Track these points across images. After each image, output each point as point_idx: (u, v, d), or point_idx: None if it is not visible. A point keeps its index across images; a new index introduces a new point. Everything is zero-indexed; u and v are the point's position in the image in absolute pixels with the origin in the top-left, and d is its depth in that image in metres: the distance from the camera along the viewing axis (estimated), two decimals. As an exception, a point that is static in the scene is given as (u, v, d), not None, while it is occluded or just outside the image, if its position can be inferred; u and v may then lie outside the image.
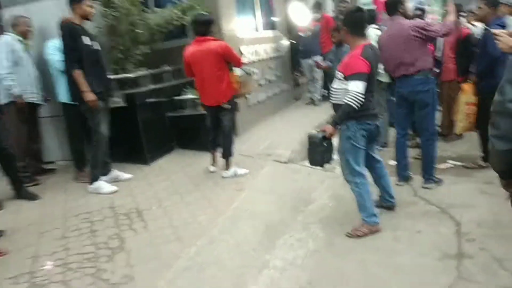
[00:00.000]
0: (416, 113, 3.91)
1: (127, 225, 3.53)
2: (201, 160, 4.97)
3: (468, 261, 2.74)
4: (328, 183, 4.29)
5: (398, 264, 2.80)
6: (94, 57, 4.12)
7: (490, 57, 3.95)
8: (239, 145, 5.42)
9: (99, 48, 4.26)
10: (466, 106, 4.46)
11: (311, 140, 3.11)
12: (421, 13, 5.56)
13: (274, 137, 5.64)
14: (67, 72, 4.08)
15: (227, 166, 4.45)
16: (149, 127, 4.97)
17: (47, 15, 4.75)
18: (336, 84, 3.15)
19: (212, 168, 4.59)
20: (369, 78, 3.00)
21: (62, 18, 4.45)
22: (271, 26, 7.51)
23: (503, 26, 3.98)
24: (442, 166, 4.50)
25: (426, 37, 3.71)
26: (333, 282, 2.69)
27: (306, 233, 3.32)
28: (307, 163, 4.85)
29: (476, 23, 5.23)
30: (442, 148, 5.18)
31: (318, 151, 3.08)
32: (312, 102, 7.56)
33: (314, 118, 6.40)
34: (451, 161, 4.63)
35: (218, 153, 4.56)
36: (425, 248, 2.95)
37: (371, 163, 3.42)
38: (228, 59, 4.24)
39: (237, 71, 4.44)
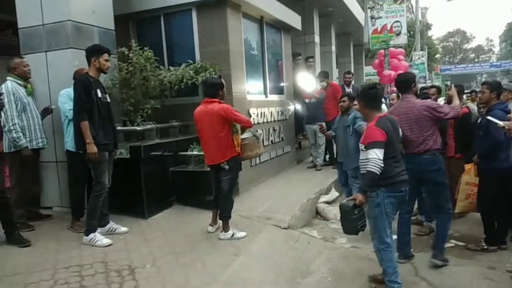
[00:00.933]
0: (429, 192, 3.98)
1: (118, 283, 3.39)
2: (199, 218, 4.90)
3: None
4: (328, 255, 4.19)
5: None
6: (104, 109, 4.20)
7: (493, 140, 4.01)
8: (239, 205, 5.35)
9: (110, 100, 4.37)
10: (467, 186, 4.48)
11: (343, 208, 3.18)
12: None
13: (274, 200, 5.59)
14: (75, 121, 4.15)
15: (225, 228, 4.37)
16: (150, 181, 4.95)
17: (63, 64, 4.89)
18: (362, 155, 3.31)
19: (210, 228, 4.51)
20: (388, 145, 3.20)
21: (77, 69, 4.61)
22: (278, 90, 7.73)
23: (506, 111, 4.08)
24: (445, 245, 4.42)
25: (436, 118, 3.79)
26: None
27: (302, 308, 3.19)
28: (307, 230, 4.85)
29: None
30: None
31: (351, 219, 3.14)
32: (314, 166, 7.59)
33: (315, 183, 6.39)
34: (453, 241, 4.54)
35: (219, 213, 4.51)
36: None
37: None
38: (234, 121, 4.30)
39: (244, 134, 4.49)
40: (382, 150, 3.15)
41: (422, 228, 4.90)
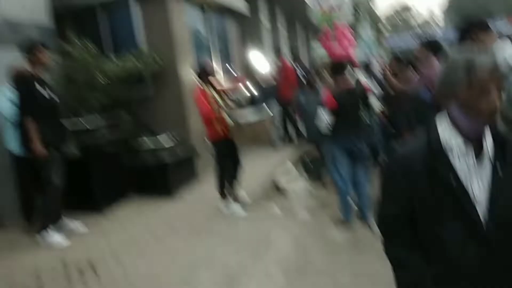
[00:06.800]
0: None
1: (79, 280, 3.33)
2: (156, 207, 4.88)
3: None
4: (288, 227, 4.27)
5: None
6: (49, 107, 4.05)
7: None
8: (198, 189, 5.39)
9: (55, 97, 4.21)
10: None
11: (303, 163, 4.18)
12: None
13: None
14: (20, 122, 3.98)
15: (222, 200, 4.64)
16: (104, 175, 4.84)
17: (-1, 64, 4.64)
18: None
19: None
20: (336, 110, 3.91)
21: (15, 68, 4.40)
22: (230, 74, 7.70)
23: None
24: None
25: None
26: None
27: (267, 280, 3.25)
28: (267, 206, 4.92)
29: None
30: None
31: (310, 170, 4.18)
32: (272, 145, 7.66)
33: (274, 161, 6.46)
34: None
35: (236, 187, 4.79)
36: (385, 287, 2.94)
37: (354, 180, 4.16)
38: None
39: (227, 118, 4.49)
40: (331, 113, 3.92)
41: None
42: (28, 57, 4.00)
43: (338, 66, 4.26)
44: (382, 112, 5.44)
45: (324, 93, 5.24)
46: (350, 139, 4.05)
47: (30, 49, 4.00)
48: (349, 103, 3.99)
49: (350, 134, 4.03)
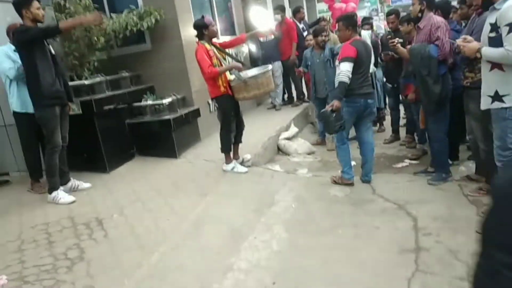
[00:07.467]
0: None
1: (87, 234, 3.42)
2: (162, 167, 4.91)
3: (425, 254, 2.85)
4: (291, 185, 4.34)
5: (359, 260, 2.87)
6: (52, 61, 4.00)
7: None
8: (203, 150, 5.42)
9: (54, 53, 4.15)
10: None
11: (323, 114, 3.88)
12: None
13: (236, 142, 5.64)
14: (27, 76, 3.93)
15: (226, 160, 4.65)
16: (107, 134, 4.85)
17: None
18: (337, 71, 3.93)
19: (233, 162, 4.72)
20: (357, 63, 3.83)
21: (10, 25, 4.29)
22: (230, 31, 7.54)
23: (457, 31, 4.20)
24: (399, 165, 4.67)
25: None
26: (297, 281, 2.72)
27: (269, 234, 3.35)
28: (269, 166, 4.97)
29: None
30: (399, 148, 5.40)
31: (329, 121, 3.81)
32: (274, 106, 7.62)
33: (276, 122, 6.45)
34: (407, 160, 4.80)
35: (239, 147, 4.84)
36: (385, 244, 3.04)
37: (359, 139, 4.26)
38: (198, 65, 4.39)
39: (229, 77, 4.43)
40: (352, 64, 3.80)
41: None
42: (23, 12, 3.89)
43: (351, 17, 4.15)
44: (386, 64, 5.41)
45: (335, 49, 5.18)
46: (364, 96, 3.98)
47: (22, 5, 3.88)
48: (365, 54, 3.97)
49: (364, 89, 3.97)
